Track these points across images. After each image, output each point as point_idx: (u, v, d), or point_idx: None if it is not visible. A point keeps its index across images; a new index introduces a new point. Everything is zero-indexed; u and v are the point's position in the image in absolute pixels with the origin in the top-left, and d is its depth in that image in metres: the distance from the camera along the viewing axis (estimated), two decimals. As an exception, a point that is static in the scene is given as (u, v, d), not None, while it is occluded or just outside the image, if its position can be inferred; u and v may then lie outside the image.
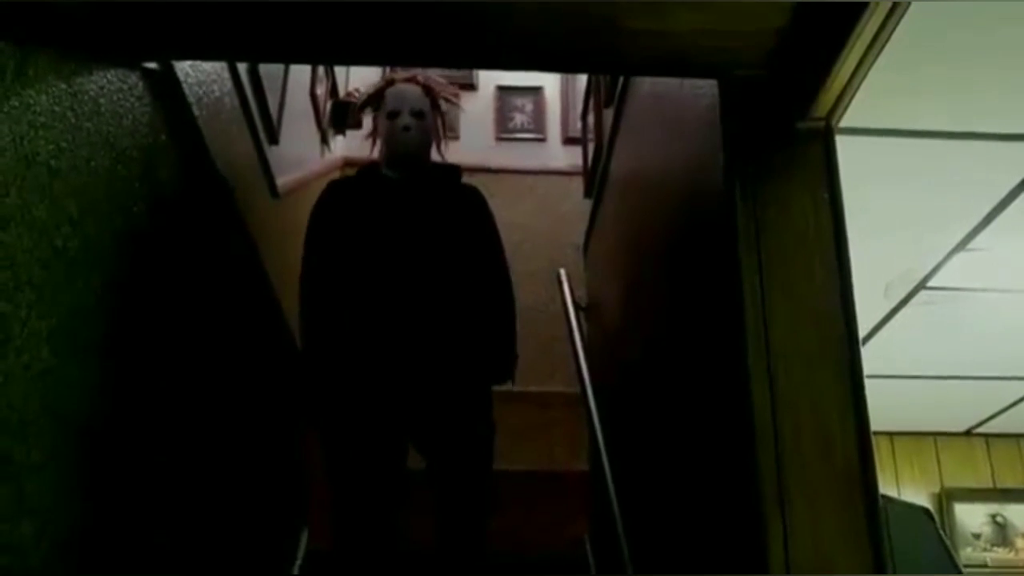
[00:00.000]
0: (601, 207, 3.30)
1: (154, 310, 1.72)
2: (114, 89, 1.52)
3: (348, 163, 4.51)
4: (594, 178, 3.44)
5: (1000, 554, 4.50)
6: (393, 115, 2.29)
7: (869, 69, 1.45)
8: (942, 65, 1.67)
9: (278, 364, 2.78)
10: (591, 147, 3.65)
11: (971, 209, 2.28)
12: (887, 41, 1.39)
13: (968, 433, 4.74)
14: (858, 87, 1.48)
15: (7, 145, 1.14)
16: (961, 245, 2.48)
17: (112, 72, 1.52)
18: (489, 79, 5.47)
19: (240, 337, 2.41)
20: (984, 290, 2.82)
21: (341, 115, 4.19)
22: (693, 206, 1.82)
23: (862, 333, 1.75)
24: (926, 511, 2.95)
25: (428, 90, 2.35)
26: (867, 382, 1.39)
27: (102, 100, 1.47)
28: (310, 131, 3.93)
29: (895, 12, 1.33)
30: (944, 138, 1.94)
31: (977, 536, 4.52)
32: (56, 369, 1.30)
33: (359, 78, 4.21)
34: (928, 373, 3.76)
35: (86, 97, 1.40)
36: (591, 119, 3.69)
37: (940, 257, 2.58)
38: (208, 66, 2.06)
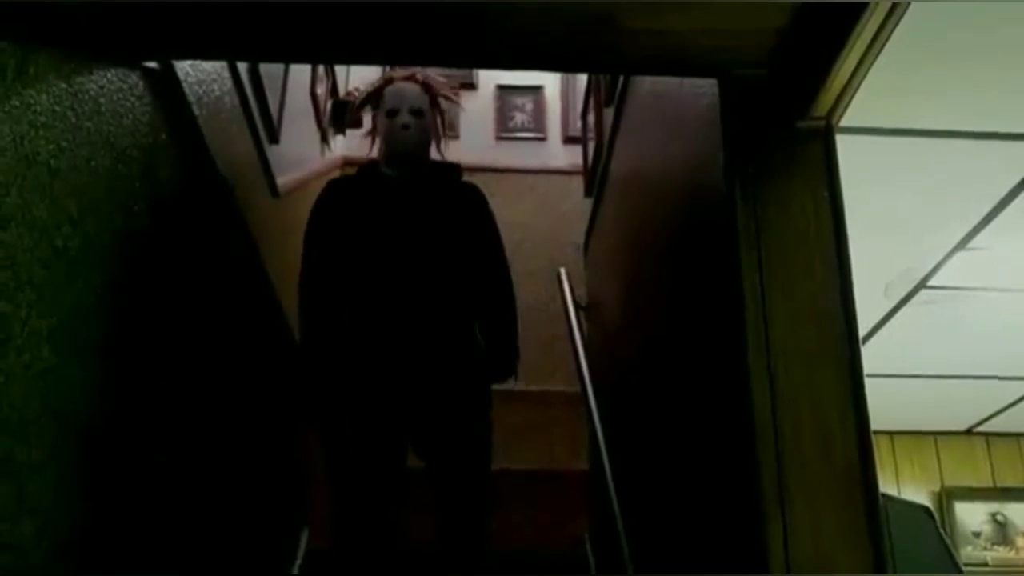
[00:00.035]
0: (601, 206, 3.30)
1: (154, 310, 1.72)
2: (114, 88, 1.52)
3: (348, 162, 4.50)
4: (594, 177, 3.44)
5: (1000, 553, 4.50)
6: (392, 114, 2.28)
7: (869, 69, 1.45)
8: (942, 65, 1.67)
9: (278, 363, 2.79)
10: (591, 146, 3.65)
11: (971, 208, 2.29)
12: (887, 41, 1.39)
13: (968, 432, 4.74)
14: (858, 86, 1.48)
15: (8, 145, 1.14)
16: (961, 244, 2.48)
17: (112, 71, 1.52)
18: (489, 78, 5.47)
19: (240, 337, 2.41)
20: (984, 289, 2.82)
21: (341, 114, 4.20)
22: (693, 205, 1.82)
23: (862, 332, 1.75)
24: (926, 510, 2.95)
25: (427, 88, 2.34)
26: (867, 381, 1.39)
27: (102, 99, 1.47)
28: (310, 130, 3.93)
29: (895, 12, 1.33)
30: (944, 137, 1.94)
31: (977, 535, 4.53)
32: (57, 369, 1.30)
33: (359, 77, 4.21)
34: (928, 372, 3.76)
35: (86, 96, 1.40)
36: (591, 118, 3.69)
37: (940, 256, 2.58)
38: (208, 65, 2.06)
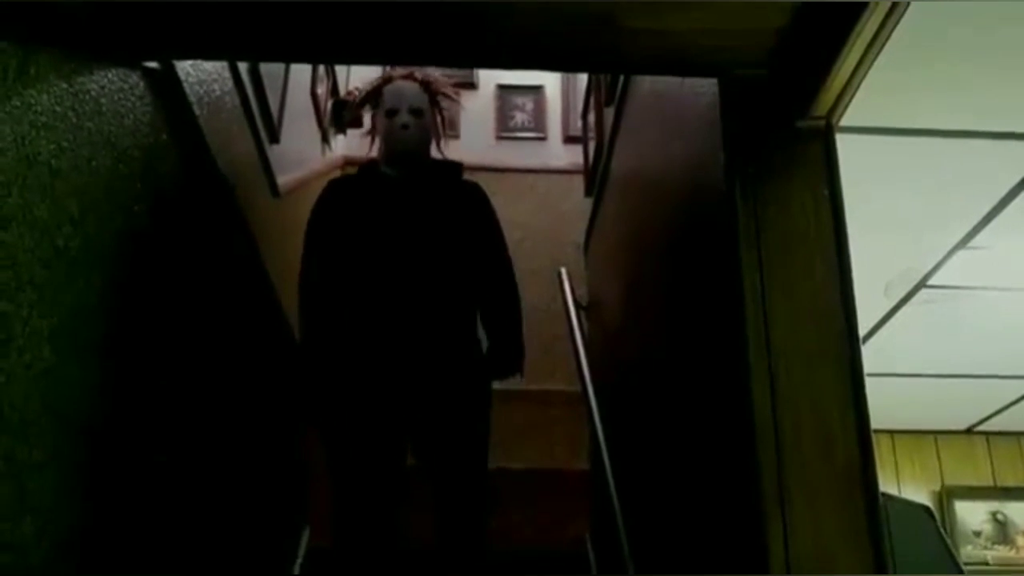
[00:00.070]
0: (602, 206, 3.30)
1: (155, 309, 1.72)
2: (115, 89, 1.52)
3: (349, 162, 4.51)
4: (595, 177, 3.44)
5: (1001, 552, 4.50)
6: (391, 113, 2.28)
7: (869, 68, 1.45)
8: (942, 64, 1.67)
9: (279, 363, 2.79)
10: (592, 146, 3.65)
11: (971, 208, 2.29)
12: (887, 40, 1.40)
13: (969, 431, 4.75)
14: (858, 86, 1.49)
15: (9, 145, 1.14)
16: (961, 243, 2.48)
17: (113, 72, 1.52)
18: (489, 78, 5.46)
19: (241, 336, 2.41)
20: (984, 288, 2.82)
21: (341, 113, 4.20)
22: (694, 205, 1.82)
23: (862, 331, 1.76)
24: (927, 509, 2.95)
25: (426, 87, 2.34)
26: (867, 380, 1.40)
27: (103, 100, 1.47)
28: (311, 130, 3.93)
29: (895, 11, 1.33)
30: (944, 136, 1.94)
31: (978, 534, 4.53)
32: (57, 368, 1.30)
33: (360, 77, 4.20)
34: (929, 371, 3.76)
35: (87, 97, 1.40)
36: (591, 118, 3.69)
37: (940, 255, 2.58)
38: (209, 65, 2.06)
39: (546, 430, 4.04)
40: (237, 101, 2.41)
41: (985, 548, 4.51)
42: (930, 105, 1.82)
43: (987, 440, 4.75)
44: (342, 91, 4.51)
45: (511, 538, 2.96)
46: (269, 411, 2.72)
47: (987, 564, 4.45)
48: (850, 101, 1.52)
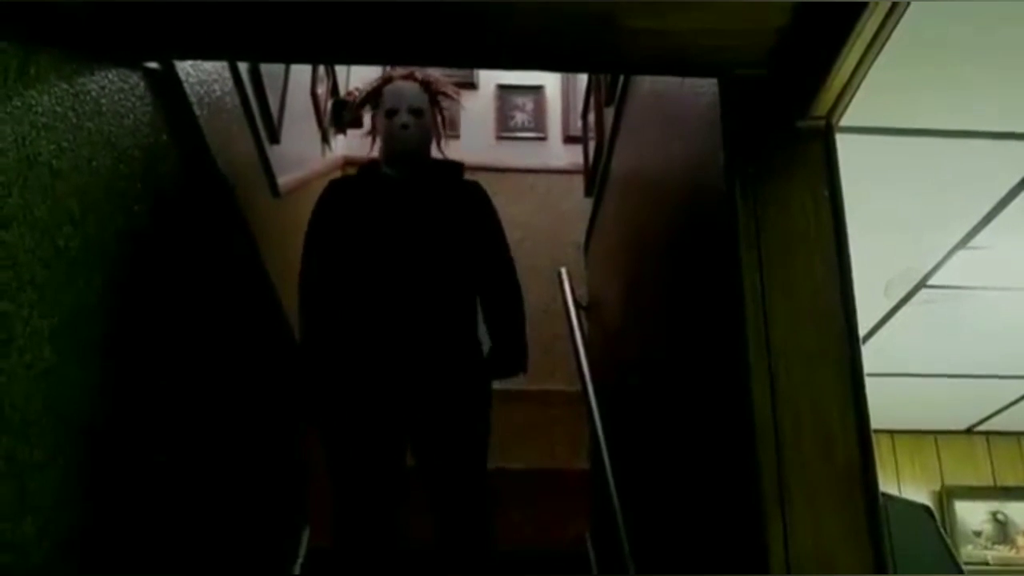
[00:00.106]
0: (602, 206, 3.30)
1: (155, 309, 1.72)
2: (116, 89, 1.52)
3: (349, 162, 4.51)
4: (595, 177, 3.44)
5: (1001, 552, 4.51)
6: (391, 113, 2.28)
7: (869, 68, 1.45)
8: (942, 64, 1.67)
9: (279, 363, 2.79)
10: (592, 146, 3.65)
11: (971, 207, 2.29)
12: (887, 40, 1.40)
13: (969, 431, 4.75)
14: (858, 86, 1.49)
15: (9, 145, 1.15)
16: (961, 243, 2.48)
17: (114, 72, 1.52)
18: (490, 78, 5.47)
19: (241, 336, 2.41)
20: (984, 288, 2.83)
21: (341, 114, 4.20)
22: (694, 205, 1.82)
23: (862, 331, 1.76)
24: (927, 509, 2.95)
25: (426, 86, 2.34)
26: (867, 380, 1.40)
27: (104, 100, 1.47)
28: (311, 130, 3.94)
29: (895, 11, 1.33)
30: (944, 136, 1.94)
31: (978, 534, 4.53)
32: (58, 368, 1.30)
33: (360, 77, 4.20)
34: (929, 371, 3.76)
35: (88, 97, 1.41)
36: (592, 118, 3.69)
37: (940, 255, 2.58)
38: (209, 66, 2.06)
39: (546, 430, 4.04)
40: (237, 101, 2.41)
41: (985, 548, 4.51)
42: (930, 105, 1.82)
43: (987, 440, 4.76)
44: (342, 91, 4.51)
45: (511, 538, 2.96)
46: (269, 411, 2.72)
47: (987, 564, 4.45)
48: (850, 101, 1.52)
